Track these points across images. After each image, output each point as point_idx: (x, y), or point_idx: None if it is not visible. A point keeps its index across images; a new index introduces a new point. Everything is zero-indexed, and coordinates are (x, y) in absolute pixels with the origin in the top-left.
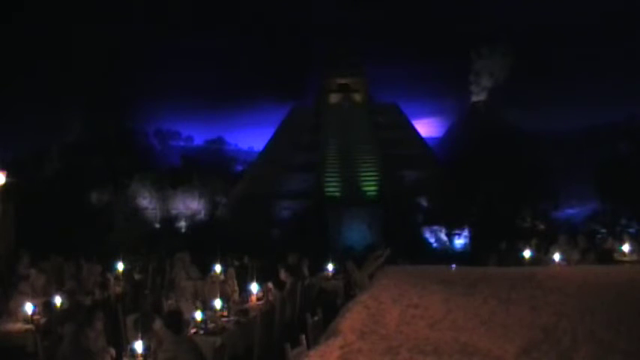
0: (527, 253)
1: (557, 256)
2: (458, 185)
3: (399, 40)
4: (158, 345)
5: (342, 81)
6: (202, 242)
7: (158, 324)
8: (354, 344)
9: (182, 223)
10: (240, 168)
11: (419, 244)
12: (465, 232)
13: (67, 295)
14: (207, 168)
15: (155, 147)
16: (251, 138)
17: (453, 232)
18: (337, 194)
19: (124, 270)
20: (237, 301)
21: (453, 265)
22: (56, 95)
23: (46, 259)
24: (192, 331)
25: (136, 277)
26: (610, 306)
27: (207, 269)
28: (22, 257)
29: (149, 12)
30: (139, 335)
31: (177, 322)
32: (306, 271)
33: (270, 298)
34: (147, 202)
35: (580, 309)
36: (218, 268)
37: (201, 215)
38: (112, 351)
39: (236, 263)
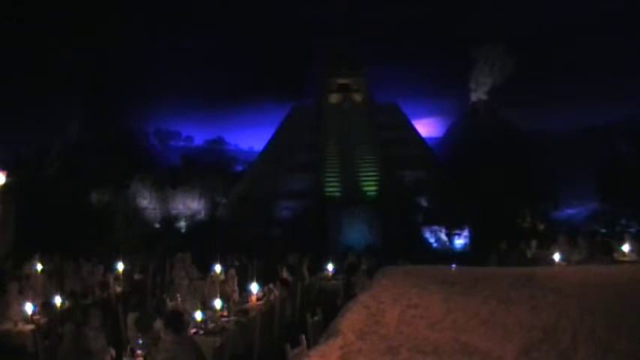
0: (527, 254)
1: (557, 256)
2: (458, 185)
3: (399, 40)
4: (158, 345)
5: (342, 81)
6: (202, 242)
7: (158, 324)
8: (354, 344)
9: (182, 223)
10: (240, 168)
11: (419, 244)
12: (465, 232)
13: (67, 295)
14: (207, 168)
15: (155, 147)
16: (251, 138)
17: (453, 232)
18: (337, 194)
19: (124, 270)
20: (237, 301)
21: (453, 265)
22: (56, 95)
23: (50, 259)
24: (192, 331)
25: (136, 277)
26: (610, 306)
27: (207, 269)
28: (33, 258)
29: (149, 12)
30: (139, 335)
31: (177, 322)
32: (306, 271)
33: (271, 298)
34: (147, 202)
35: (580, 309)
36: (218, 268)
37: (201, 215)
38: (112, 351)
39: (236, 263)
